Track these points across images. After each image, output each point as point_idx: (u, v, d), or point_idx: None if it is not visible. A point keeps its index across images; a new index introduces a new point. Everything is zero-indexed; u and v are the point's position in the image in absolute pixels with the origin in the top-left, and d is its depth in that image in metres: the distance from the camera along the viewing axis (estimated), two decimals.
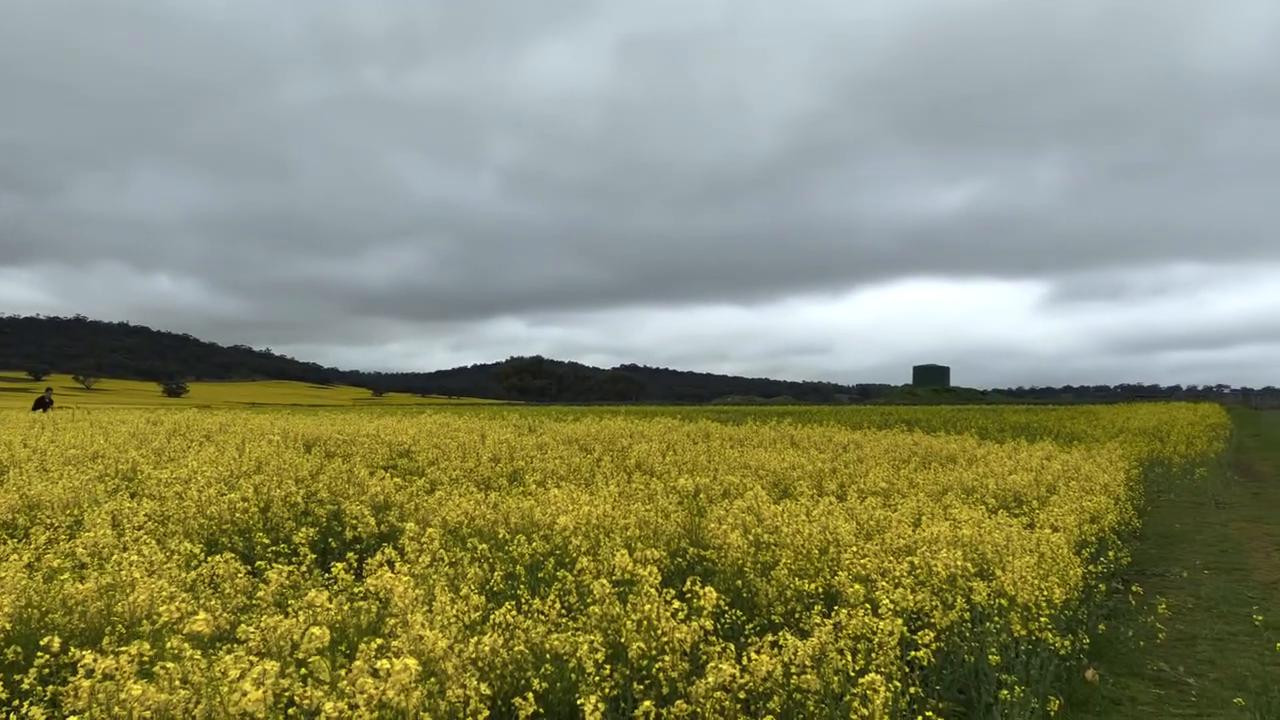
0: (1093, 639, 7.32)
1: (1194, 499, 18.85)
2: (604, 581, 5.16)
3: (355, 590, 5.37)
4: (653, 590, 4.99)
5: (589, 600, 5.24)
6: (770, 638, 4.81)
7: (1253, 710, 6.25)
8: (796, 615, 5.93)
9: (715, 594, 5.17)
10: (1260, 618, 8.27)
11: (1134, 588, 8.40)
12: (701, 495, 9.76)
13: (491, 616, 5.05)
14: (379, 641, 4.81)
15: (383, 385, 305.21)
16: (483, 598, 5.39)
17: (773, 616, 6.08)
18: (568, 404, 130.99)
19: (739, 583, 6.48)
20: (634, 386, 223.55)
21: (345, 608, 5.31)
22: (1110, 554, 8.79)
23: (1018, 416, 46.90)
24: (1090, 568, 8.06)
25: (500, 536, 6.98)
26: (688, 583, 5.36)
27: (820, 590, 6.03)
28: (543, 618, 5.21)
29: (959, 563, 6.24)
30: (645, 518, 7.86)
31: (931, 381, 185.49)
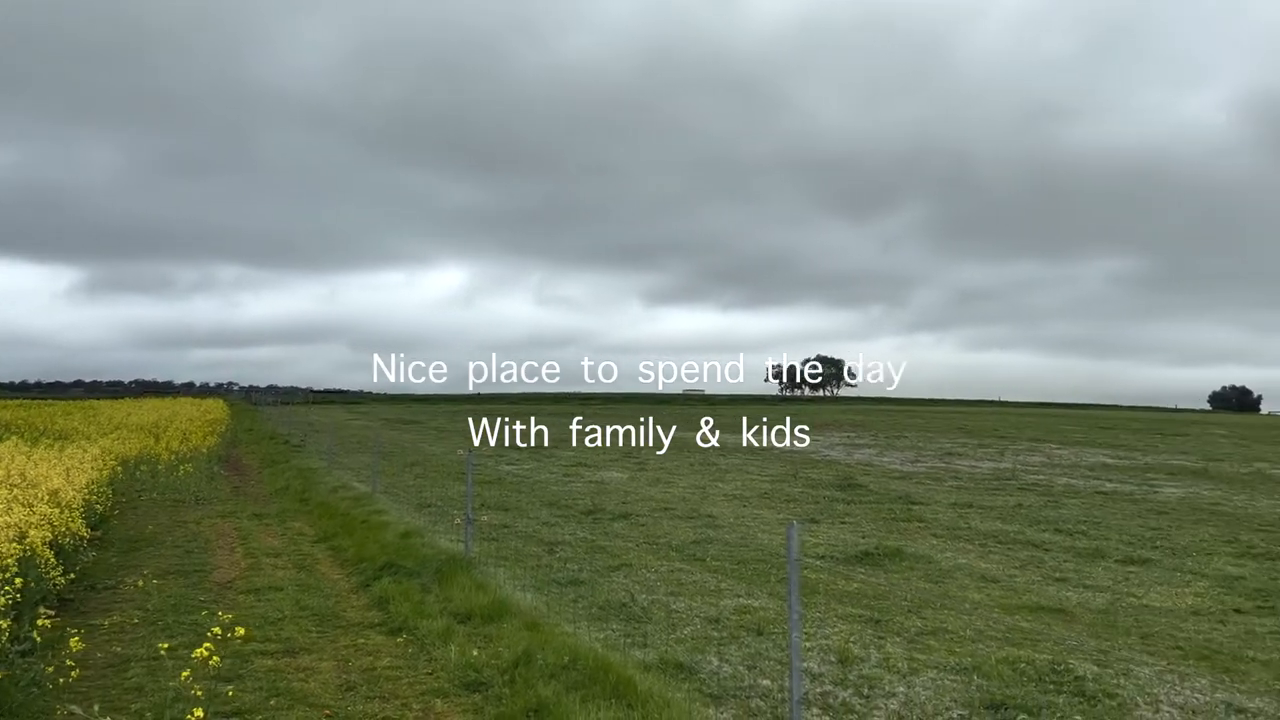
0: None
1: (176, 497, 18.43)
2: None
3: None
4: None
5: None
6: None
7: None
8: None
9: None
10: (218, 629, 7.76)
11: (41, 620, 7.01)
12: None
13: None
14: None
15: None
16: None
17: None
18: None
19: None
20: None
21: None
22: (34, 580, 7.28)
23: (6, 414, 42.16)
24: None
25: None
26: None
27: None
28: None
29: None
30: None
31: None
